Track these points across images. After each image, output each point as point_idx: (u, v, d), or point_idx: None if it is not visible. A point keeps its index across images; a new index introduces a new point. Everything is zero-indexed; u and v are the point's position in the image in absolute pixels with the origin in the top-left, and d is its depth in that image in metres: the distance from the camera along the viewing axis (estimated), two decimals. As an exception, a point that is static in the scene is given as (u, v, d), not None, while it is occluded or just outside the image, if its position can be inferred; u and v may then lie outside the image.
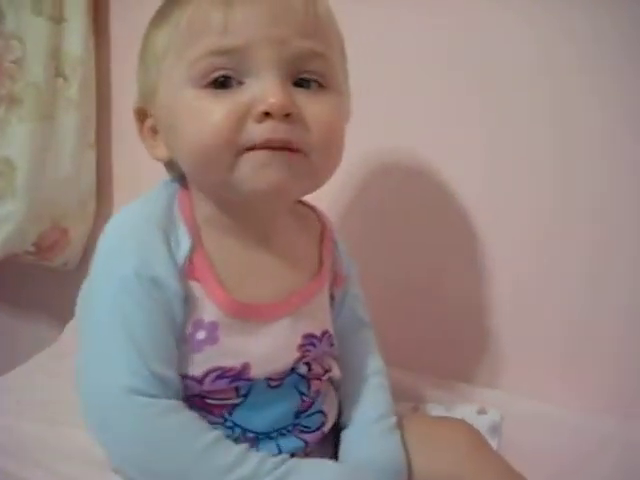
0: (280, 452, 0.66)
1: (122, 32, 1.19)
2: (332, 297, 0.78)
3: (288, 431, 0.69)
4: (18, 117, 1.09)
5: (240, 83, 0.61)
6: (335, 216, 0.98)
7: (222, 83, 0.61)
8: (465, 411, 0.92)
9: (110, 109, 1.24)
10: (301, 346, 0.69)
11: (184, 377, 0.64)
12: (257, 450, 0.64)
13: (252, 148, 0.60)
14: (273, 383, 0.68)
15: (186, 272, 0.63)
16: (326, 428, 0.73)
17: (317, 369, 0.72)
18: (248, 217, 0.67)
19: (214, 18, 0.60)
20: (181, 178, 0.69)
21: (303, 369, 0.70)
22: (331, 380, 0.76)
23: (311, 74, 0.63)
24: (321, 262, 0.75)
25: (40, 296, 1.32)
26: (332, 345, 0.75)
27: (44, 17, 1.09)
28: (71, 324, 1.10)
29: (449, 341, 1.06)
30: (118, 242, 0.64)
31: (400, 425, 0.75)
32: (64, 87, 1.14)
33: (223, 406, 0.66)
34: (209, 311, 0.64)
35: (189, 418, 0.61)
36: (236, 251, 0.67)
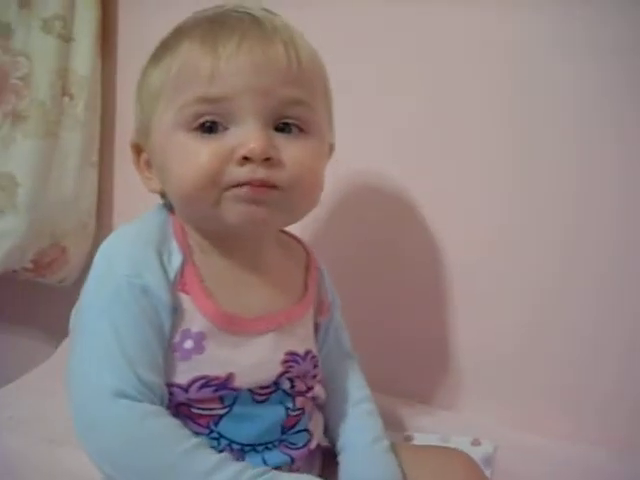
0: (266, 466, 0.66)
1: (129, 54, 1.21)
2: (317, 326, 0.80)
3: (274, 445, 0.70)
4: (23, 134, 1.10)
5: (225, 128, 0.65)
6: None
7: (209, 128, 0.65)
8: (459, 442, 0.92)
9: (114, 129, 1.25)
10: (285, 362, 0.71)
11: (170, 385, 0.65)
12: None
13: (234, 186, 0.64)
14: (258, 398, 0.69)
15: (177, 285, 0.66)
16: (312, 445, 0.74)
17: (300, 386, 0.73)
18: (234, 244, 0.71)
19: (202, 68, 0.64)
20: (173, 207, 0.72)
21: (286, 385, 0.71)
22: (315, 401, 0.77)
23: (292, 119, 0.67)
24: (306, 287, 0.77)
25: (36, 313, 1.32)
26: (316, 367, 0.76)
27: (53, 35, 1.11)
28: (66, 341, 1.10)
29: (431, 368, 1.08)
30: (112, 255, 0.67)
31: (395, 451, 0.76)
32: (70, 106, 1.16)
33: (209, 416, 0.67)
34: (197, 322, 0.66)
35: (171, 423, 0.62)
36: (225, 271, 0.71)
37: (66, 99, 1.15)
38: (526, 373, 1.01)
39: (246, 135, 0.64)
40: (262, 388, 0.69)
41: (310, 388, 0.75)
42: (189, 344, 0.66)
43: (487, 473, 0.85)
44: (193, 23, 0.69)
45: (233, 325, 0.68)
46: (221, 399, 0.67)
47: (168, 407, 0.64)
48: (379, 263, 1.08)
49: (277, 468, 0.67)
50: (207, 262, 0.69)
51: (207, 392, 0.66)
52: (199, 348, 0.66)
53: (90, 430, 0.62)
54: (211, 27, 0.66)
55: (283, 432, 0.71)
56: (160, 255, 0.66)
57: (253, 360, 0.69)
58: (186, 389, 0.66)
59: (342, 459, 0.76)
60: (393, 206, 1.05)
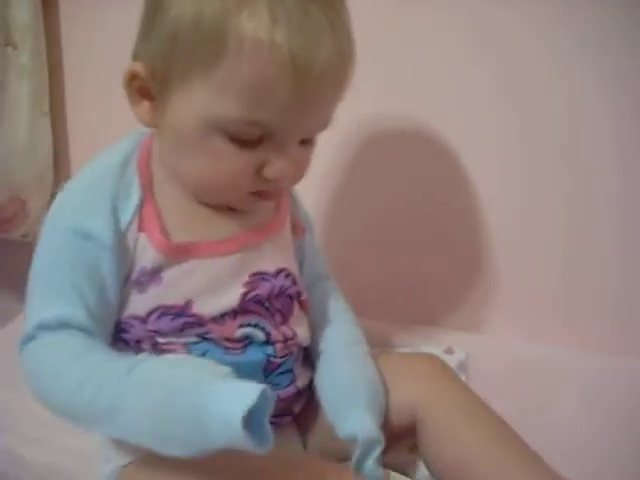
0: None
1: (72, 1, 1.17)
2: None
3: None
4: (-31, 87, 1.07)
5: (261, 139, 0.62)
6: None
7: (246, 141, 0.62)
8: (431, 351, 0.94)
9: (63, 78, 1.22)
10: (248, 283, 0.69)
11: (129, 317, 0.66)
12: None
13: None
14: (231, 352, 0.68)
15: (134, 226, 0.65)
16: (299, 383, 0.74)
17: (276, 335, 0.71)
18: None
19: (281, 92, 0.58)
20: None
21: (260, 336, 0.70)
22: (299, 346, 0.75)
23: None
24: (277, 210, 0.75)
25: (1, 269, 1.31)
26: (296, 283, 0.75)
27: (-11, -15, 1.07)
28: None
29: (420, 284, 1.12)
30: (61, 206, 0.67)
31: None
32: (14, 55, 1.13)
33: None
34: (150, 257, 0.65)
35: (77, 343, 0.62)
36: (186, 200, 0.69)
37: (10, 49, 1.12)
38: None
39: (279, 159, 0.63)
40: (232, 342, 0.68)
41: (288, 338, 0.72)
42: (146, 278, 0.65)
43: (462, 379, 0.87)
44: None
45: (187, 253, 0.66)
46: (187, 348, 0.66)
47: (126, 342, 0.67)
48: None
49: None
50: (167, 194, 0.67)
51: (166, 321, 0.66)
52: (156, 280, 0.66)
53: (24, 365, 0.63)
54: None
55: (266, 376, 0.70)
56: (115, 199, 0.64)
57: (209, 283, 0.67)
58: (144, 320, 0.66)
59: (318, 362, 0.76)
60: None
